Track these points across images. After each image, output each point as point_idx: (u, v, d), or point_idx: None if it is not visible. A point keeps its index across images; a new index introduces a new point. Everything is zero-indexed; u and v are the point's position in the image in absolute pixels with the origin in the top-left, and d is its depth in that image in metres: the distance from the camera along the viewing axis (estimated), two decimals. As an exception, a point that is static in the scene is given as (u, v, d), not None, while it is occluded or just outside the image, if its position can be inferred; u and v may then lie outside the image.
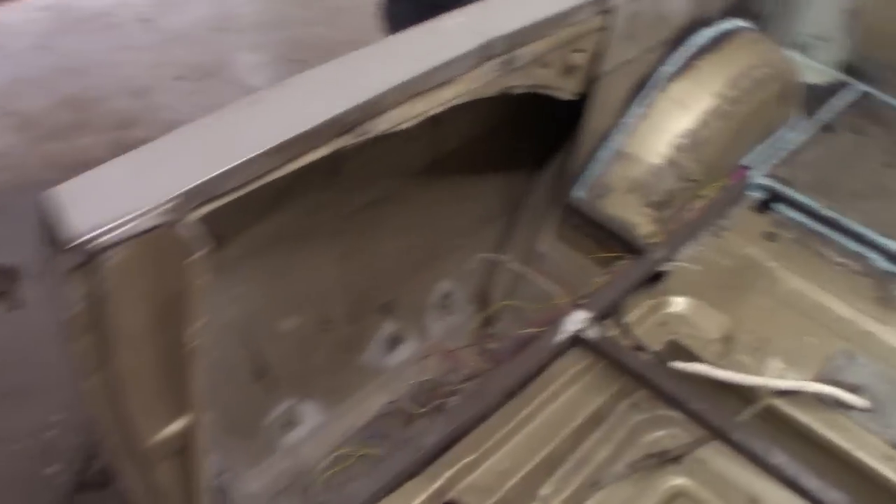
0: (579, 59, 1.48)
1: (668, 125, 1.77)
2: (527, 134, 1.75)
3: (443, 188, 1.70)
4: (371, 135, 1.16)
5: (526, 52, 1.34)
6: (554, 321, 1.56)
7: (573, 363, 1.54)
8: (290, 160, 1.06)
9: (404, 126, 1.20)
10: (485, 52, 1.26)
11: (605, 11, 1.48)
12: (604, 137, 1.77)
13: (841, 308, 1.72)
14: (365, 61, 1.21)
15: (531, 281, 1.77)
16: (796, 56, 2.43)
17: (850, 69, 2.47)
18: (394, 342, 1.82)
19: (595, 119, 1.69)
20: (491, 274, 1.91)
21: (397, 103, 1.17)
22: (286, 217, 1.39)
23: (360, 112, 1.12)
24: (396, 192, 1.60)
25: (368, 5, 2.95)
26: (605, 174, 1.77)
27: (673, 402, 1.50)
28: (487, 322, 1.86)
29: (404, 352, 1.84)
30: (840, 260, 1.83)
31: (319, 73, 1.18)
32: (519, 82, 1.37)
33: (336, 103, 1.10)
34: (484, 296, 1.95)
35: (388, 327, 1.81)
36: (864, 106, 2.37)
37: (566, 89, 1.53)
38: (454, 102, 1.26)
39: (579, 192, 1.79)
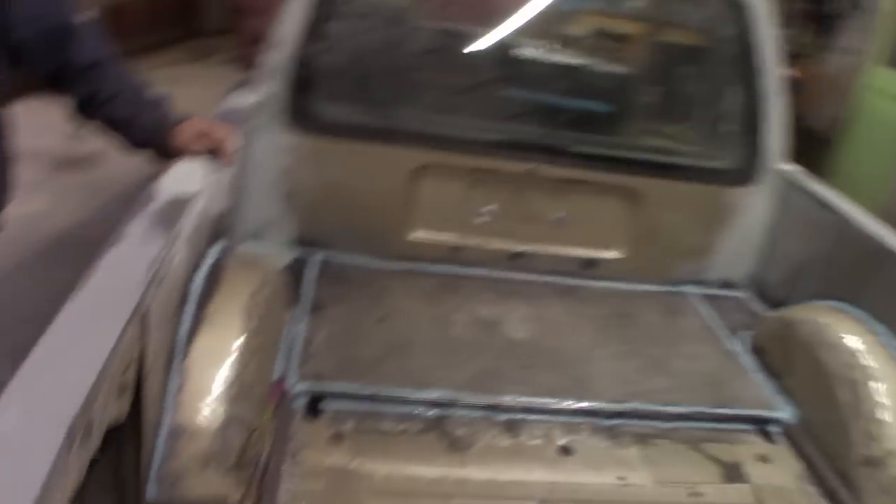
0: (129, 376, 1.32)
1: (210, 383, 1.68)
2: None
3: None
4: None
5: (95, 416, 1.14)
6: None
7: None
8: None
9: None
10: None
11: (141, 317, 1.35)
12: (156, 423, 1.60)
13: (428, 471, 1.84)
14: None
15: None
16: (258, 247, 2.55)
17: (305, 242, 2.69)
18: None
19: (144, 412, 1.52)
20: None
21: None
22: None
23: None
24: None
25: None
26: (171, 459, 1.60)
27: None
28: None
29: None
30: (401, 427, 1.96)
31: None
32: (94, 446, 1.16)
33: None
34: None
35: None
36: (330, 272, 2.60)
37: (123, 412, 1.34)
38: None
39: (153, 490, 1.58)
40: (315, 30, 2.56)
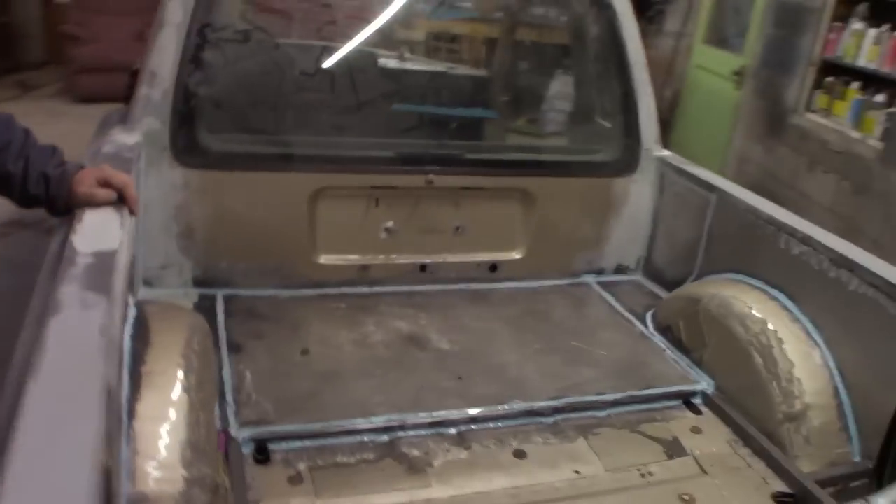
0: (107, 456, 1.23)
1: (159, 449, 1.58)
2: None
3: None
4: None
5: None
6: None
7: None
8: None
9: None
10: None
11: (109, 390, 1.26)
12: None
13: (395, 497, 1.83)
14: None
15: None
16: (158, 294, 2.43)
17: (206, 281, 2.58)
18: None
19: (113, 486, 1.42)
20: None
21: None
22: None
23: None
24: None
25: None
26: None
27: None
28: None
29: None
30: (356, 458, 1.93)
31: None
32: None
33: None
34: None
35: None
36: (239, 310, 2.51)
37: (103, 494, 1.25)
38: None
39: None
40: (191, 60, 2.46)
